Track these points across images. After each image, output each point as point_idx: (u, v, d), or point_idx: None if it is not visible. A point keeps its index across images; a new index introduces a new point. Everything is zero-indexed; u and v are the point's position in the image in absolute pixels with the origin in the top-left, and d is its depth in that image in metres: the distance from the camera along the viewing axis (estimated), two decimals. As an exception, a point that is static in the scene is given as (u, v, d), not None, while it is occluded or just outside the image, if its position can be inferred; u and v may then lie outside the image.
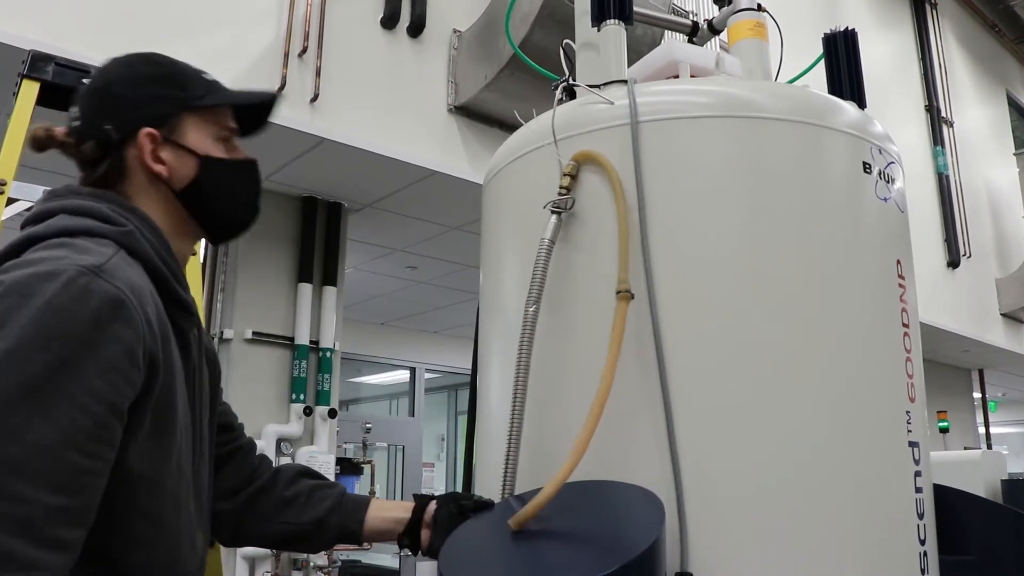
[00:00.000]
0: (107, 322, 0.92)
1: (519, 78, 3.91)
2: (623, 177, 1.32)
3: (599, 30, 1.56)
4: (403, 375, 8.67)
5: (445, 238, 5.22)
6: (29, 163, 1.52)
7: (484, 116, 4.36)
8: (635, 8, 1.60)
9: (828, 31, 1.63)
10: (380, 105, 4.02)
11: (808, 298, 1.29)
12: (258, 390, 4.21)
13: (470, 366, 1.71)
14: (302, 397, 4.28)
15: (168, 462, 1.04)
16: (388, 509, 1.36)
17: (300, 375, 4.30)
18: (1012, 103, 10.28)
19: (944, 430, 8.47)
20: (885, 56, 7.80)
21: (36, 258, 0.96)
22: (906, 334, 1.38)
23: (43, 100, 1.62)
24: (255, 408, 4.15)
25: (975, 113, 9.30)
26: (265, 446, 4.09)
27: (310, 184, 4.38)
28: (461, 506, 1.29)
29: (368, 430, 5.65)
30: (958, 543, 1.45)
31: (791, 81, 1.78)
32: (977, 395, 10.11)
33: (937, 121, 8.20)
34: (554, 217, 1.34)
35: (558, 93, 1.51)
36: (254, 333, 4.22)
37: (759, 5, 1.75)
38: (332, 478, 4.34)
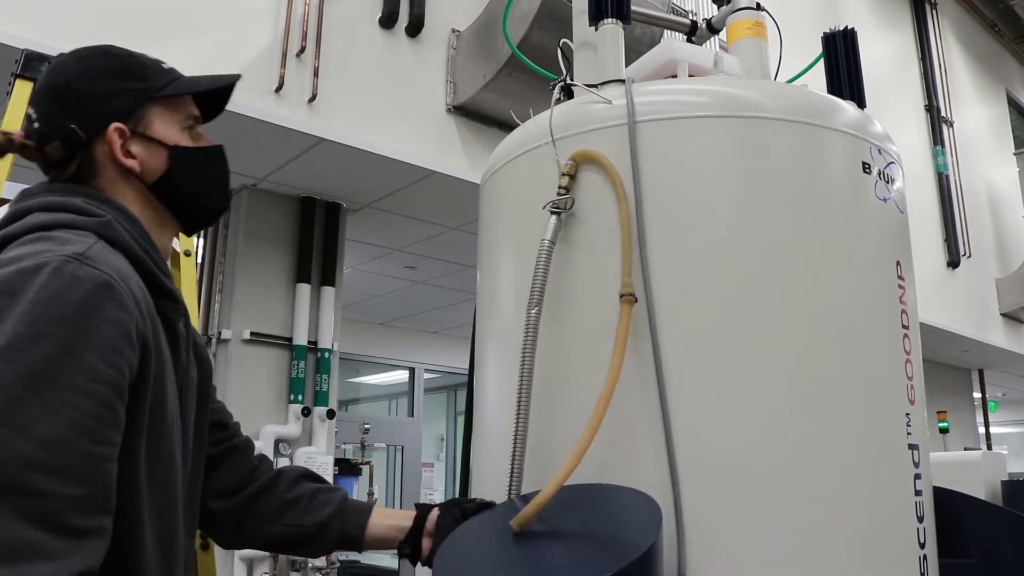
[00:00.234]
0: (99, 305, 0.91)
1: (518, 78, 3.90)
2: (620, 176, 1.31)
3: (596, 29, 1.55)
4: (402, 375, 8.66)
5: (444, 238, 5.22)
6: (25, 163, 1.51)
7: (483, 116, 4.35)
8: (633, 7, 1.59)
9: (827, 30, 1.62)
10: (378, 105, 4.02)
11: (807, 298, 1.28)
12: (256, 390, 4.20)
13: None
14: (300, 398, 4.27)
15: (160, 451, 1.03)
16: (390, 517, 1.35)
17: (298, 375, 4.29)
18: (1012, 103, 10.28)
19: (944, 430, 8.46)
20: (885, 56, 7.80)
21: (16, 255, 0.94)
22: (906, 335, 1.37)
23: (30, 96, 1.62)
24: (253, 409, 4.14)
25: (975, 113, 9.29)
26: (263, 447, 4.08)
27: (308, 184, 4.37)
28: (464, 510, 1.28)
29: (367, 431, 5.64)
30: (958, 546, 1.44)
31: (790, 81, 1.77)
32: (977, 395, 10.11)
33: (937, 121, 8.19)
34: (554, 218, 1.33)
35: (556, 92, 1.50)
36: (252, 334, 4.21)
37: (758, 4, 1.74)
38: (330, 479, 4.29)
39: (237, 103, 3.64)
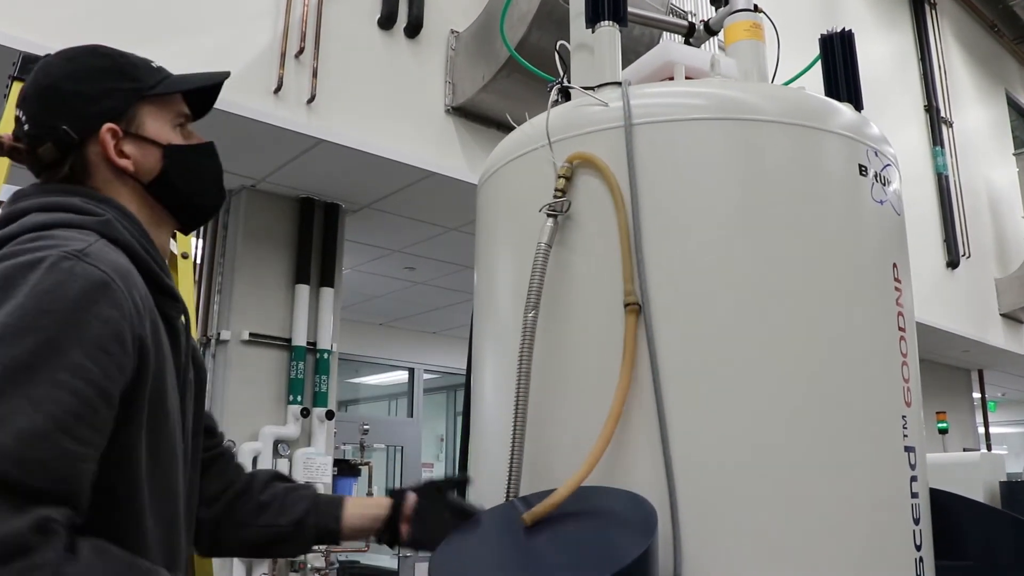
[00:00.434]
0: (92, 303, 0.90)
1: (517, 79, 3.90)
2: (617, 179, 1.31)
3: (593, 32, 1.55)
4: (402, 376, 8.66)
5: (443, 239, 5.22)
6: (18, 164, 1.51)
7: (482, 117, 4.35)
8: (630, 9, 1.59)
9: (825, 32, 1.62)
10: (377, 106, 4.01)
11: (803, 301, 1.28)
12: (255, 391, 4.20)
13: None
14: (299, 398, 4.27)
15: (161, 451, 1.03)
16: (365, 506, 1.35)
17: (297, 376, 4.29)
18: (1012, 103, 10.28)
19: (943, 431, 8.46)
20: (884, 56, 7.80)
21: (15, 251, 0.94)
22: (902, 338, 1.37)
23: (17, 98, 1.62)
24: (252, 409, 4.14)
25: (975, 113, 9.29)
26: (262, 448, 4.09)
27: (307, 185, 4.37)
28: (439, 488, 1.31)
29: (366, 431, 5.63)
30: (956, 548, 1.44)
31: (788, 83, 1.77)
32: (977, 395, 10.11)
33: (936, 121, 8.19)
34: (550, 221, 1.33)
35: (553, 94, 1.50)
36: (251, 334, 4.21)
37: (755, 6, 1.74)
38: (330, 480, 4.25)
39: (236, 104, 3.66)
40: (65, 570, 0.80)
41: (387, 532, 1.32)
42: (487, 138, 4.36)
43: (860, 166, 1.38)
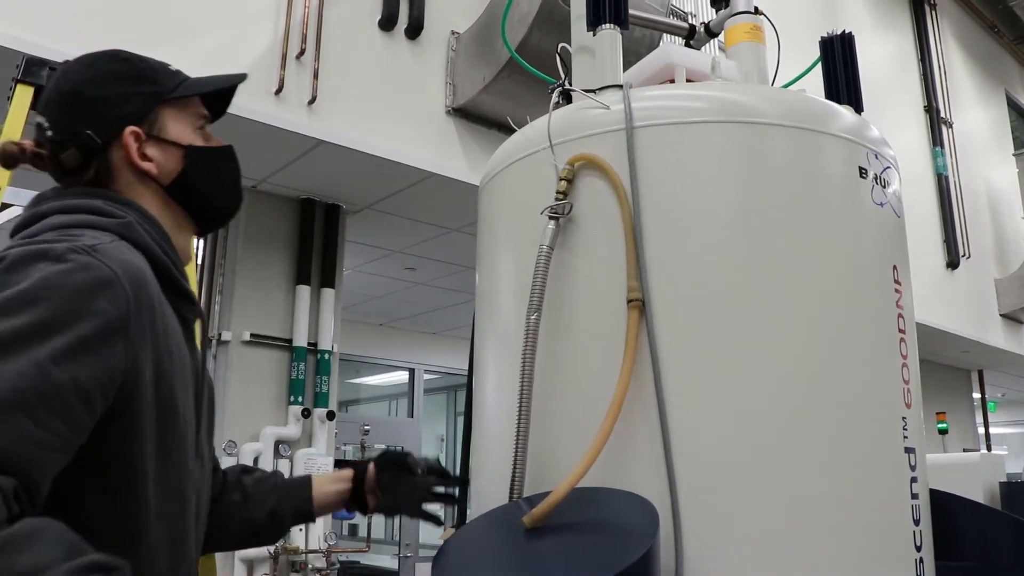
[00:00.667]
0: (92, 296, 0.90)
1: (517, 80, 3.90)
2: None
3: (594, 34, 1.56)
4: (402, 376, 8.66)
5: (443, 240, 5.22)
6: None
7: (482, 118, 4.35)
8: (631, 11, 1.60)
9: (825, 34, 1.62)
10: (378, 107, 4.02)
11: (803, 303, 1.29)
12: (256, 392, 4.21)
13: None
14: (300, 399, 4.28)
15: (171, 451, 1.02)
16: (330, 482, 1.42)
17: (298, 377, 4.29)
18: (1011, 104, 10.28)
19: (943, 431, 8.46)
20: (884, 57, 7.80)
21: (31, 241, 0.95)
22: (902, 339, 1.37)
23: (38, 105, 1.62)
24: (253, 410, 4.15)
25: (974, 114, 9.30)
26: (263, 448, 4.09)
27: (308, 186, 4.38)
28: (395, 461, 1.41)
29: (367, 432, 5.64)
30: (956, 549, 1.45)
31: (788, 85, 1.77)
32: (976, 396, 10.11)
33: (936, 122, 8.20)
34: (552, 223, 1.34)
35: (554, 97, 1.51)
36: (252, 335, 4.22)
37: (756, 8, 1.74)
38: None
39: (237, 105, 3.61)
40: None
41: (354, 502, 1.42)
42: (488, 139, 4.36)
43: (860, 168, 1.38)
